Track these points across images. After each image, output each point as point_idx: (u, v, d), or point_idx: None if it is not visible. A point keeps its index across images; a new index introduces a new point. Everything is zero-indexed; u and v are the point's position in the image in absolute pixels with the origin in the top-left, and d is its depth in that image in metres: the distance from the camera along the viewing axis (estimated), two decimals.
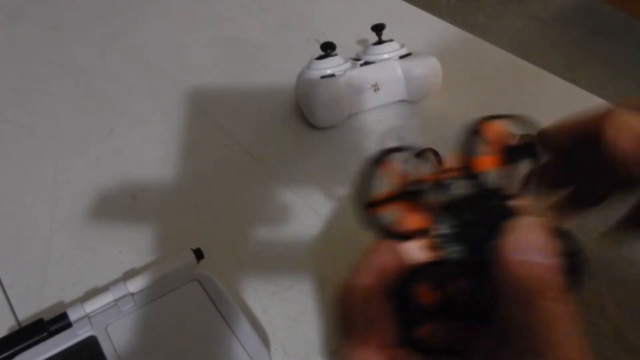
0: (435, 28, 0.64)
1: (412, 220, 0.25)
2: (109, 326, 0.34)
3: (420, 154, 0.25)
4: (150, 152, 0.50)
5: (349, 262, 0.41)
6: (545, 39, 2.02)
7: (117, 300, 0.35)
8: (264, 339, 0.35)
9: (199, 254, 0.38)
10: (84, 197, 0.46)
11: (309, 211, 0.43)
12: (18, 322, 0.37)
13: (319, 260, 0.40)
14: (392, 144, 0.25)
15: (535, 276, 0.22)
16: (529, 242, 0.22)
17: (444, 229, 0.24)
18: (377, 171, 0.25)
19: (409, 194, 0.24)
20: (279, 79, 0.57)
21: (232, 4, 0.71)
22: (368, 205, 0.24)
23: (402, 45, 0.52)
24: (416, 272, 0.24)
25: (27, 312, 0.38)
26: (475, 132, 0.25)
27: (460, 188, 0.25)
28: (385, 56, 0.51)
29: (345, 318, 0.25)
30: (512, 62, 0.58)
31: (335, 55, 0.50)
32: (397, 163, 0.25)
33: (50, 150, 0.51)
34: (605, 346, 0.34)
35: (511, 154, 0.25)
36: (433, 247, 0.24)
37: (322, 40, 0.51)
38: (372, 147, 0.48)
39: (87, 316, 0.34)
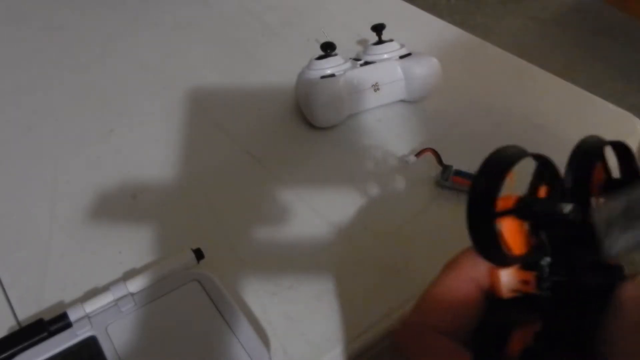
0: (435, 28, 0.64)
1: (518, 242, 0.22)
2: (109, 326, 0.34)
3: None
4: (150, 152, 0.50)
5: (349, 262, 0.41)
6: (545, 39, 2.02)
7: (117, 300, 0.35)
8: (264, 339, 0.35)
9: (199, 254, 0.38)
10: (84, 197, 0.46)
11: (309, 211, 0.43)
12: (18, 322, 0.37)
13: (319, 260, 0.40)
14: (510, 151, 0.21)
15: None
16: None
17: (547, 264, 0.22)
18: (504, 178, 0.21)
19: (524, 212, 0.21)
20: (279, 79, 0.57)
21: (232, 4, 0.71)
22: (492, 215, 0.21)
23: (402, 45, 0.52)
24: (506, 313, 0.21)
25: (27, 312, 0.38)
26: (596, 156, 0.22)
27: (573, 216, 0.21)
28: (385, 56, 0.51)
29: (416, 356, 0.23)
30: (512, 62, 0.58)
31: (335, 55, 0.50)
32: (514, 174, 0.21)
33: (50, 150, 0.51)
34: None
35: (614, 187, 0.22)
36: (529, 281, 0.22)
37: (322, 40, 0.51)
38: (375, 149, 0.49)
39: (87, 316, 0.34)
